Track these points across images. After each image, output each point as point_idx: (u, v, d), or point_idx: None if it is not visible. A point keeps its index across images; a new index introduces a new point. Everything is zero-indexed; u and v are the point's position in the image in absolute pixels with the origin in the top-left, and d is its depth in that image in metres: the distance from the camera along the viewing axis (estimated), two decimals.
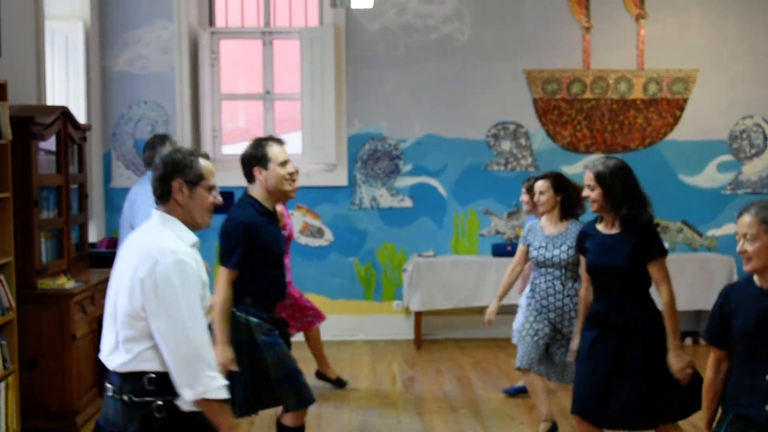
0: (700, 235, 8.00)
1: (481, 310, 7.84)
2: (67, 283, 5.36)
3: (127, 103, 7.71)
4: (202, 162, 2.95)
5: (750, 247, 3.13)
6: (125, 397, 2.79)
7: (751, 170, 8.01)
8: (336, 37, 7.69)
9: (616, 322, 3.97)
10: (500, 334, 7.97)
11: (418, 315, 7.64)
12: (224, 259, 4.06)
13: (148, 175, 4.92)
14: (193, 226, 2.94)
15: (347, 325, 7.86)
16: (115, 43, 7.65)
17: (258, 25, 8.03)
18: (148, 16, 7.66)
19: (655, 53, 7.89)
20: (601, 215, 4.08)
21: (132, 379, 2.78)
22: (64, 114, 5.71)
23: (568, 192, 5.16)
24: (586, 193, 4.05)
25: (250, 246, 4.00)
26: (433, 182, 7.89)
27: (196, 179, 2.91)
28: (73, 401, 5.25)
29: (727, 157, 7.99)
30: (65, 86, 7.15)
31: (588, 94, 7.90)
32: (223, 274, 4.00)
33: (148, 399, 2.77)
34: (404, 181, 7.89)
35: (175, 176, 2.90)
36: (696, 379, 3.91)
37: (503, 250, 7.64)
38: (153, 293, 2.73)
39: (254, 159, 4.13)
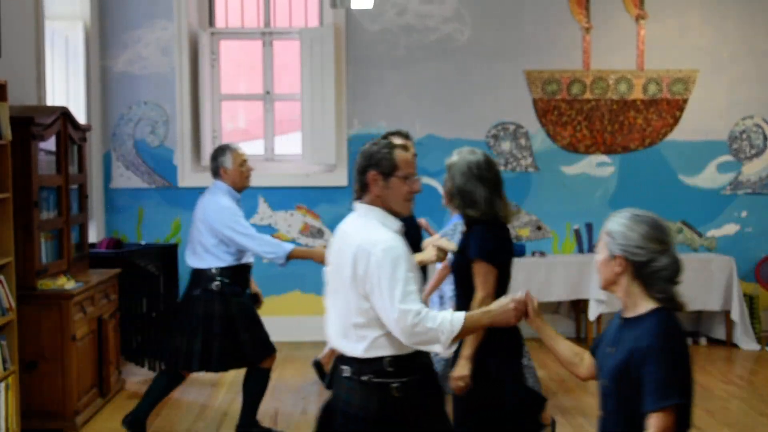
0: (700, 235, 8.00)
1: None
2: (67, 283, 5.36)
3: (127, 103, 7.71)
4: (397, 152, 3.08)
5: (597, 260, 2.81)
6: (364, 378, 2.98)
7: (751, 171, 8.00)
8: (336, 38, 7.68)
9: None
10: None
11: None
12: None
13: (217, 185, 5.07)
14: (394, 214, 3.09)
15: None
16: (115, 43, 7.65)
17: (258, 25, 8.03)
18: (148, 17, 7.66)
19: (655, 54, 7.89)
20: None
21: (371, 363, 2.97)
22: (64, 114, 5.70)
23: None
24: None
25: None
26: (433, 183, 7.88)
27: (390, 170, 3.03)
28: (73, 402, 5.25)
29: (727, 158, 7.99)
30: (65, 87, 7.14)
31: (588, 95, 7.90)
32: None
33: (387, 380, 2.97)
34: None
35: (369, 169, 3.04)
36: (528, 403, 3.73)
37: None
38: (374, 282, 2.89)
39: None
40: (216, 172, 5.07)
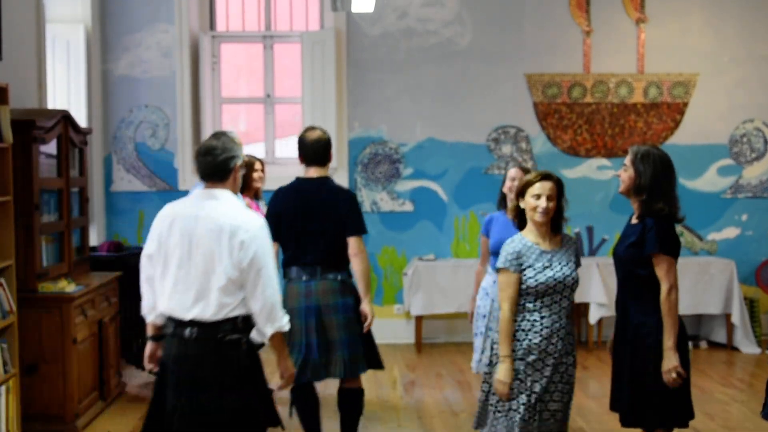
0: (701, 238, 8.00)
1: None
2: (67, 286, 5.36)
3: (127, 106, 7.72)
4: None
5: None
6: (220, 335, 3.34)
7: (752, 174, 8.01)
8: (337, 41, 7.69)
9: (619, 319, 3.96)
10: None
11: (419, 319, 7.64)
12: None
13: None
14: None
15: None
16: (116, 46, 7.66)
17: (259, 28, 8.04)
18: (149, 20, 7.67)
19: (655, 57, 7.90)
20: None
21: (226, 323, 3.35)
22: (65, 118, 5.71)
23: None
24: (619, 172, 3.92)
25: None
26: (433, 186, 7.89)
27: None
28: (74, 405, 5.24)
29: (728, 161, 8.00)
30: (66, 90, 7.16)
31: (588, 98, 7.91)
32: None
33: (237, 336, 3.35)
34: (405, 185, 7.89)
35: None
36: (682, 393, 3.81)
37: None
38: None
39: None
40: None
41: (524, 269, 3.82)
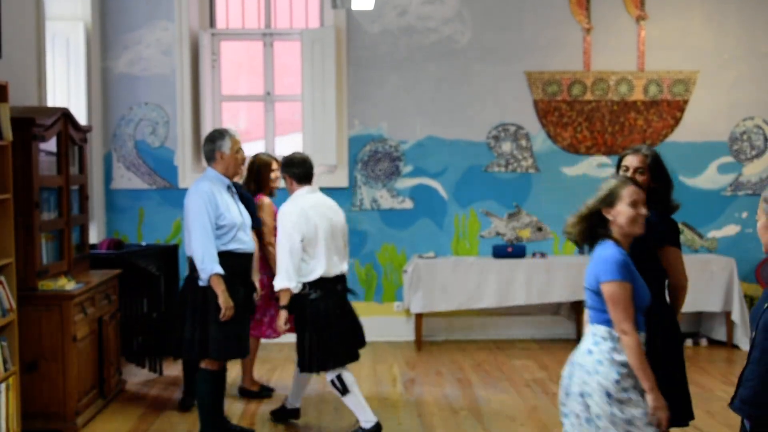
0: (701, 236, 8.00)
1: (481, 312, 7.87)
2: (67, 284, 5.36)
3: (127, 104, 7.72)
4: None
5: None
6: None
7: (752, 171, 8.01)
8: (337, 39, 7.69)
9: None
10: (501, 335, 7.98)
11: (419, 316, 7.64)
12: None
13: (207, 172, 4.95)
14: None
15: None
16: (116, 44, 7.66)
17: (259, 26, 8.04)
18: (149, 18, 7.67)
19: (655, 55, 7.89)
20: None
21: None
22: (65, 115, 5.71)
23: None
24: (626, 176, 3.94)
25: None
26: (433, 183, 7.89)
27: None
28: (74, 403, 5.25)
29: (728, 159, 7.99)
30: (66, 87, 7.15)
31: (588, 96, 7.90)
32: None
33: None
34: (405, 183, 7.89)
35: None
36: (681, 393, 3.84)
37: (504, 251, 7.64)
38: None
39: None
40: (211, 156, 4.93)
41: None
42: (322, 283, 5.01)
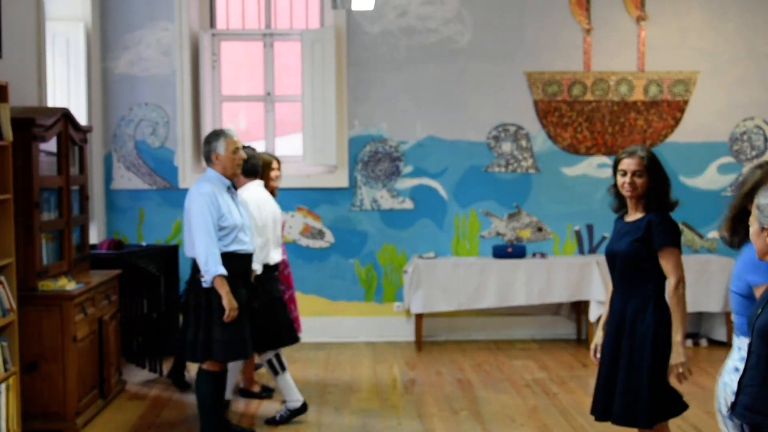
0: (701, 236, 8.00)
1: (481, 312, 7.87)
2: (67, 284, 5.36)
3: (127, 104, 7.72)
4: None
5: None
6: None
7: None
8: (337, 39, 7.69)
9: (614, 316, 3.96)
10: (501, 336, 7.98)
11: (419, 317, 7.64)
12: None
13: (207, 172, 4.98)
14: None
15: (348, 327, 7.87)
16: (116, 44, 7.66)
17: (259, 26, 8.04)
18: (149, 18, 7.67)
19: (655, 55, 7.89)
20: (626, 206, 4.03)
21: None
22: (65, 116, 5.71)
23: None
24: (624, 180, 3.93)
25: None
26: (433, 184, 7.89)
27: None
28: (74, 403, 5.25)
29: (728, 159, 8.00)
30: (66, 88, 7.16)
31: (589, 96, 7.90)
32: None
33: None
34: (405, 183, 7.89)
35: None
36: (667, 391, 3.83)
37: (504, 251, 7.64)
38: None
39: None
40: (208, 157, 4.95)
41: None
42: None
